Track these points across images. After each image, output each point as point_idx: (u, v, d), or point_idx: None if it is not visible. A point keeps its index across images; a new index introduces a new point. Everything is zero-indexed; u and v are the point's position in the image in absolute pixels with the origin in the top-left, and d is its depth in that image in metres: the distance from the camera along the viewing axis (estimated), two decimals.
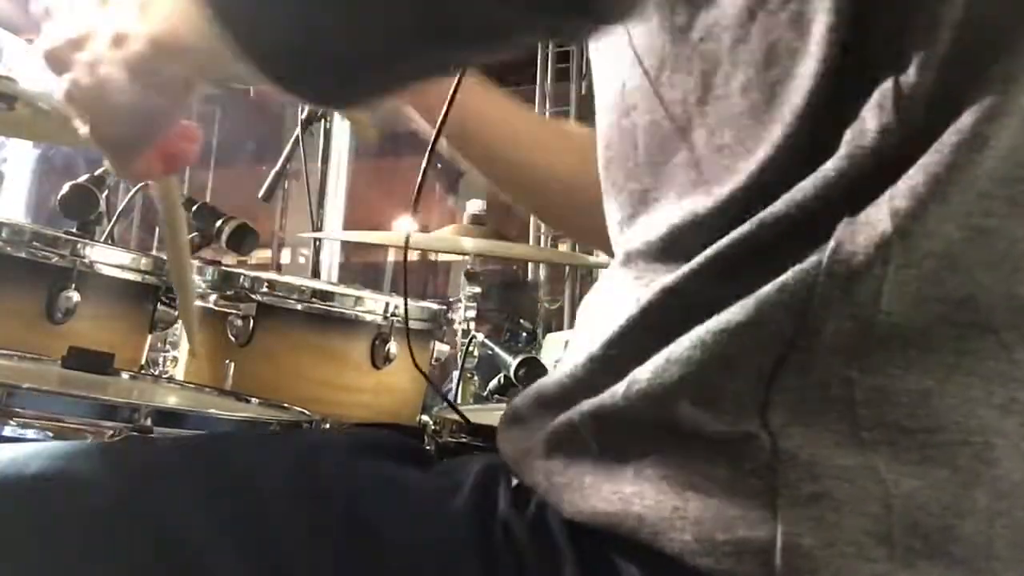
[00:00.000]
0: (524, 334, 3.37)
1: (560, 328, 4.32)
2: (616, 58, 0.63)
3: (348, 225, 5.48)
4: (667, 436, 0.54)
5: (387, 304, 1.40)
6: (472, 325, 2.02)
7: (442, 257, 5.46)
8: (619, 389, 0.55)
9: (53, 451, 0.60)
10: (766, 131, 0.53)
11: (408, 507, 0.60)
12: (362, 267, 6.30)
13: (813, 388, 0.51)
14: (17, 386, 0.81)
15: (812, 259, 0.51)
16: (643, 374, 0.54)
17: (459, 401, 1.91)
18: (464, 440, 1.17)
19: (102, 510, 0.56)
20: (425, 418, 1.27)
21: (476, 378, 2.10)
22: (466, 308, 2.04)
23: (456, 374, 1.91)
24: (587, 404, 0.57)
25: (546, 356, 2.40)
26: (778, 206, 0.52)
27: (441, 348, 1.55)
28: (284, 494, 0.60)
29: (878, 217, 0.50)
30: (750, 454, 0.51)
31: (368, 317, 1.39)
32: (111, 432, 0.81)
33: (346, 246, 5.73)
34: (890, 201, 0.50)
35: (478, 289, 2.04)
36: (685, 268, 0.55)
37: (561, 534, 0.58)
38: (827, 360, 0.50)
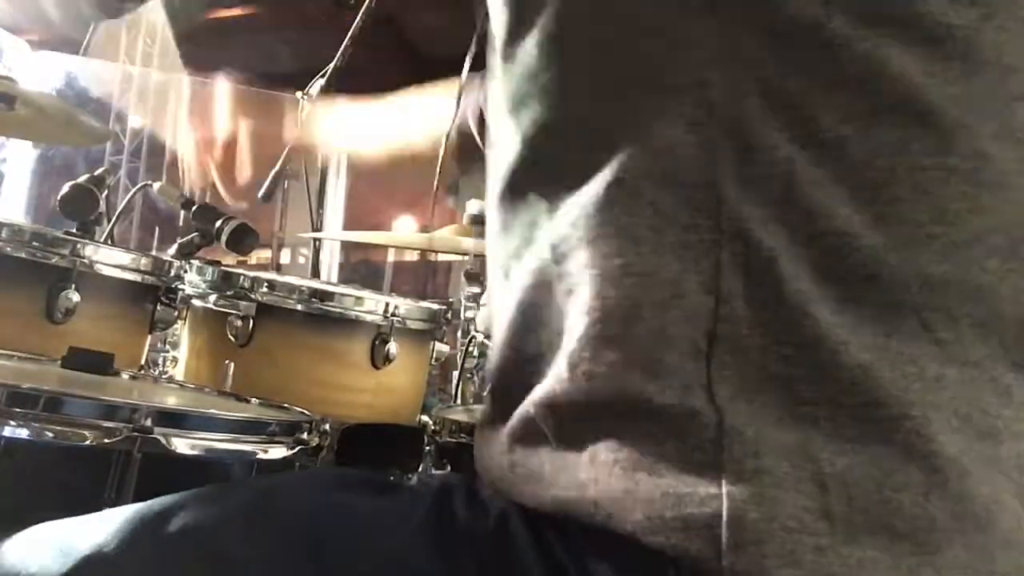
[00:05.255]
0: None
1: None
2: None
3: (348, 225, 5.48)
4: (617, 417, 0.55)
5: (387, 304, 1.40)
6: (472, 325, 2.02)
7: (442, 257, 5.45)
8: (562, 372, 0.57)
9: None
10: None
11: (368, 534, 0.60)
12: (362, 267, 6.30)
13: (752, 365, 0.52)
14: (17, 386, 0.82)
15: (709, 225, 0.52)
16: (582, 353, 0.56)
17: (459, 401, 1.91)
18: (464, 440, 1.17)
19: None
20: (425, 418, 1.27)
21: (476, 378, 2.10)
22: (466, 308, 2.04)
23: (456, 374, 1.91)
24: (537, 393, 0.59)
25: None
26: (667, 184, 0.54)
27: (441, 348, 1.54)
28: (246, 540, 0.60)
29: (768, 187, 0.52)
30: (697, 430, 0.52)
31: (368, 317, 1.39)
32: (112, 432, 0.82)
33: (346, 246, 5.73)
34: (782, 178, 0.52)
35: (478, 289, 2.04)
36: (563, 246, 0.58)
37: (525, 535, 0.58)
38: (758, 336, 0.52)
